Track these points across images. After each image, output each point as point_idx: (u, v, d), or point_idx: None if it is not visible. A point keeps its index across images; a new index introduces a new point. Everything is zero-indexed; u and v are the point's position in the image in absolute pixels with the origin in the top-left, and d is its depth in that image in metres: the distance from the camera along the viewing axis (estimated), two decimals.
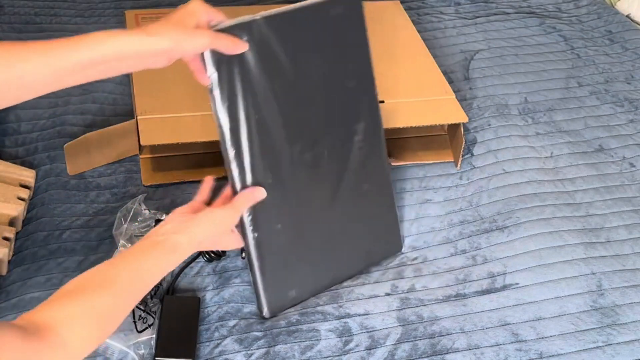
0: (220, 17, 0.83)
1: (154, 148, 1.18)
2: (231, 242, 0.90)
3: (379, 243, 1.08)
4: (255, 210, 0.90)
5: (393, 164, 1.25)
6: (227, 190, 0.91)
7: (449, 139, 1.30)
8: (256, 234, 0.91)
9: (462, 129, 1.23)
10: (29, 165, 1.19)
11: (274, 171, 0.91)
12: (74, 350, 0.67)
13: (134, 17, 1.38)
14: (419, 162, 1.27)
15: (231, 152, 0.88)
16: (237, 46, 0.84)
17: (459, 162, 1.26)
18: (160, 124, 1.12)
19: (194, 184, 1.19)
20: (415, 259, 1.11)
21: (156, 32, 0.76)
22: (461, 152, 1.24)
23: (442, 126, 1.31)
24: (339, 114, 0.98)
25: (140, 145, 1.10)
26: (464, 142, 1.23)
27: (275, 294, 0.97)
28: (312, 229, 0.98)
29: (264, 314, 0.98)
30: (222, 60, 0.84)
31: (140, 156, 1.19)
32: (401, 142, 1.29)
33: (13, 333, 0.62)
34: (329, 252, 1.01)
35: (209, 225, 0.84)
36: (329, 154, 0.96)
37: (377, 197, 1.06)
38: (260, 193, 0.90)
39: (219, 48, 0.82)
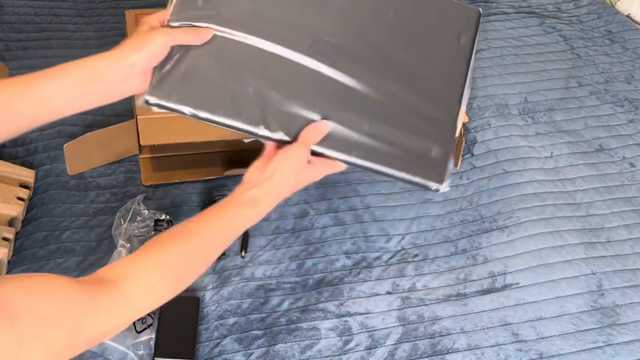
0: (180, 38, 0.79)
1: (153, 148, 1.18)
2: (314, 174, 0.83)
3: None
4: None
5: None
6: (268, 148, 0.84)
7: None
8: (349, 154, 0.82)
9: (462, 129, 1.23)
10: (29, 165, 1.19)
11: (306, 101, 0.82)
12: (137, 301, 0.67)
13: (133, 17, 1.37)
14: None
15: (264, 131, 0.81)
16: (200, 35, 0.80)
17: (459, 162, 1.26)
18: (160, 124, 1.12)
19: (193, 183, 1.19)
20: (416, 255, 1.11)
21: (114, 57, 0.77)
22: (461, 152, 1.24)
23: None
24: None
25: (140, 145, 1.10)
26: (464, 142, 1.23)
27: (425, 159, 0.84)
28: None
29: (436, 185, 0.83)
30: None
31: (140, 156, 1.19)
32: None
33: (64, 280, 0.62)
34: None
35: (282, 171, 0.78)
36: (339, 41, 0.84)
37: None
38: (325, 125, 0.82)
39: (180, 42, 0.79)
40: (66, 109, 0.77)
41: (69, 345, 0.61)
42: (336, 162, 0.84)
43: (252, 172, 0.80)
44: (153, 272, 0.69)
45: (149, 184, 1.18)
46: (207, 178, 1.19)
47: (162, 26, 0.80)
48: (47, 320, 0.59)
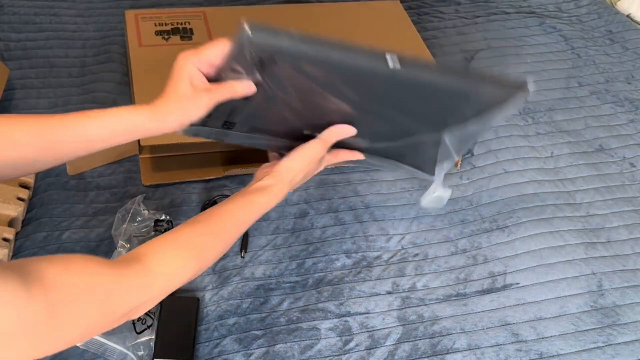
0: (209, 54, 0.79)
1: (153, 148, 1.18)
2: (318, 168, 0.90)
3: None
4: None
5: None
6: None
7: None
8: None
9: None
10: None
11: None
12: (162, 277, 0.70)
13: (133, 17, 1.37)
14: None
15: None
16: (241, 91, 0.81)
17: (459, 162, 1.26)
18: None
19: (193, 183, 1.19)
20: (417, 255, 1.11)
21: (161, 118, 0.79)
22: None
23: None
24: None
25: (140, 145, 1.10)
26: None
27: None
28: None
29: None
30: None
31: (140, 156, 1.19)
32: None
33: (89, 259, 0.66)
34: None
35: (296, 161, 0.85)
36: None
37: None
38: (350, 129, 0.88)
39: (223, 99, 0.81)
40: (104, 144, 0.83)
41: (100, 320, 0.65)
42: (347, 153, 0.90)
43: (262, 169, 0.86)
44: (176, 249, 0.73)
45: (148, 183, 1.18)
46: (207, 178, 1.19)
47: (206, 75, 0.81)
48: (78, 292, 0.62)
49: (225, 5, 1.57)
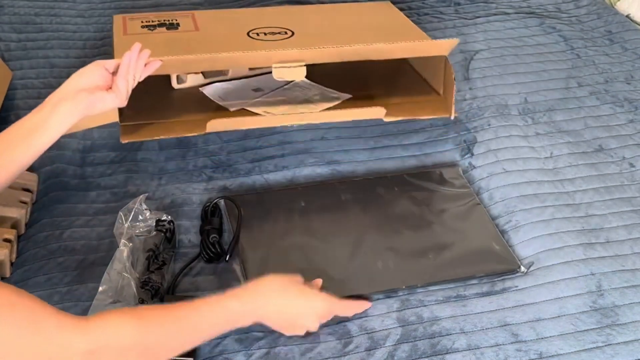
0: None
1: (135, 114, 1.15)
2: (318, 304, 0.95)
3: None
4: None
5: (386, 119, 1.23)
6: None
7: (444, 99, 1.27)
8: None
9: (448, 62, 1.20)
10: (30, 166, 1.19)
11: None
12: (98, 330, 0.73)
13: (121, 18, 1.37)
14: (413, 117, 1.26)
15: None
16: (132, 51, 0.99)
17: (452, 110, 1.24)
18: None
19: (194, 184, 1.19)
20: None
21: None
22: (453, 96, 1.22)
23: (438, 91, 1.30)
24: None
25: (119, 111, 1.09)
26: (454, 85, 1.20)
27: None
28: None
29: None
30: None
31: (121, 124, 1.14)
32: (396, 105, 1.27)
33: (29, 294, 0.70)
34: None
35: (266, 278, 0.91)
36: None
37: None
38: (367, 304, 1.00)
39: (114, 65, 0.99)
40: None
41: (28, 340, 0.68)
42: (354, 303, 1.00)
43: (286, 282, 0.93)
44: (121, 313, 0.78)
45: (126, 141, 1.14)
46: (189, 135, 1.17)
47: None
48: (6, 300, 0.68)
49: (225, 7, 1.57)
